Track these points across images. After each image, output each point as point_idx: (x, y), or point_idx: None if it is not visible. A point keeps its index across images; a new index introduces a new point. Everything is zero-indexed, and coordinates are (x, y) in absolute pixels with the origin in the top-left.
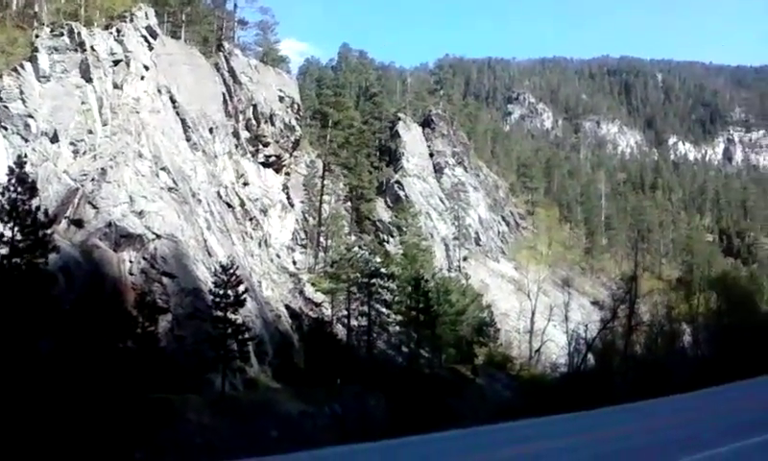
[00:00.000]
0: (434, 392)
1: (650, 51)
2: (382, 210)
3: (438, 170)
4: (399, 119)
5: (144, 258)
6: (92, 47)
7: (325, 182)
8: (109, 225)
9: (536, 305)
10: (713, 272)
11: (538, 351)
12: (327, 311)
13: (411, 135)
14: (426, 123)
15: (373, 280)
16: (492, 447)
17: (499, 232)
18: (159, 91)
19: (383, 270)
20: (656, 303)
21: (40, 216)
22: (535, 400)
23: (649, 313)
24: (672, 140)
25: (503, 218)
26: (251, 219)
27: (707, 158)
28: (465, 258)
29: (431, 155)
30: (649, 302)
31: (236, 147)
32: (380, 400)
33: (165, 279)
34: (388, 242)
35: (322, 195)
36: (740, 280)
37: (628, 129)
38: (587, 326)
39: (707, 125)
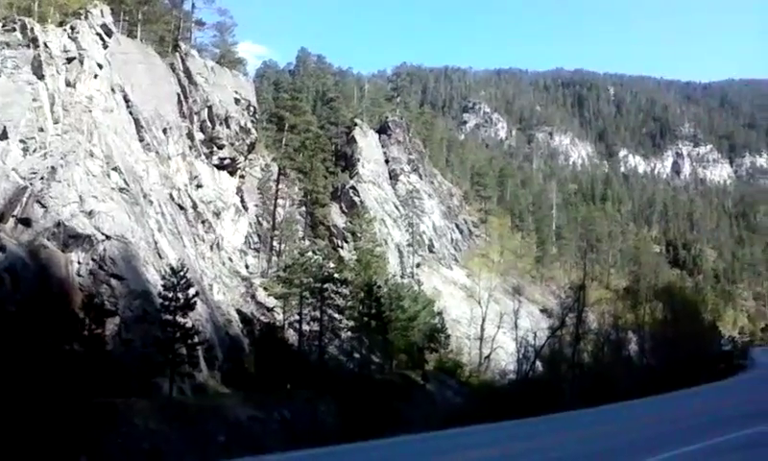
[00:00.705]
0: (384, 397)
1: (603, 65)
2: (337, 216)
3: (393, 177)
4: (356, 125)
5: (93, 259)
6: (45, 44)
7: (280, 186)
8: (58, 224)
9: (486, 312)
10: (659, 282)
11: (487, 357)
12: (279, 316)
13: (367, 141)
14: (383, 129)
15: (326, 286)
16: (439, 453)
17: (452, 240)
18: (113, 90)
19: (336, 275)
20: (603, 311)
21: None
22: (484, 407)
23: (596, 322)
24: (623, 153)
25: (457, 226)
26: (203, 222)
27: (656, 172)
28: (418, 265)
29: (387, 161)
30: (597, 310)
31: (190, 148)
32: (331, 406)
33: (114, 281)
34: (342, 247)
35: (276, 199)
36: (685, 291)
37: (580, 140)
38: (535, 333)
39: (656, 139)
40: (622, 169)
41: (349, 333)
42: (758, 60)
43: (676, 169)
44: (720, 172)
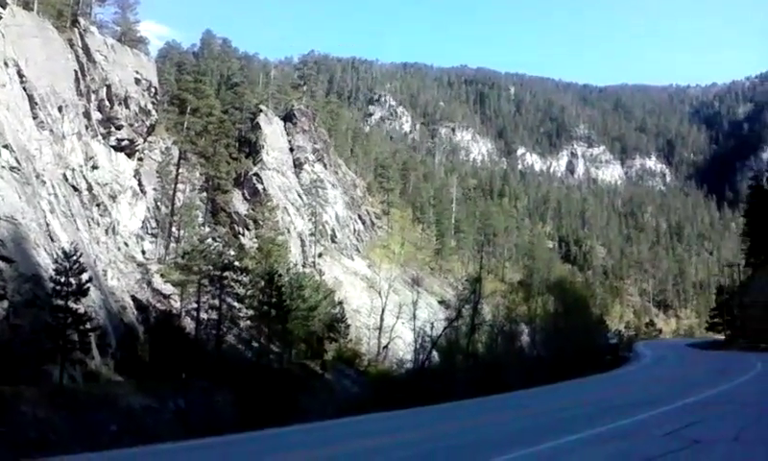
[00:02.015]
0: (282, 387)
1: (505, 64)
2: (239, 203)
3: (297, 165)
4: (261, 111)
5: None
6: None
7: (181, 171)
8: None
9: (386, 303)
10: (552, 276)
11: (386, 347)
12: (176, 304)
13: (272, 129)
14: (288, 117)
15: (226, 274)
16: (333, 441)
17: (355, 230)
18: (6, 64)
19: (237, 263)
20: (498, 304)
21: None
22: (381, 396)
23: (491, 313)
24: (521, 151)
25: (359, 217)
26: (98, 204)
27: (551, 170)
28: (320, 255)
29: (291, 149)
30: (492, 302)
31: (87, 128)
32: (228, 396)
33: (2, 264)
34: (243, 235)
35: (176, 183)
36: (576, 286)
37: (481, 137)
38: (432, 324)
39: (553, 138)
40: (520, 166)
41: (249, 322)
42: (650, 66)
43: (570, 168)
44: (612, 172)
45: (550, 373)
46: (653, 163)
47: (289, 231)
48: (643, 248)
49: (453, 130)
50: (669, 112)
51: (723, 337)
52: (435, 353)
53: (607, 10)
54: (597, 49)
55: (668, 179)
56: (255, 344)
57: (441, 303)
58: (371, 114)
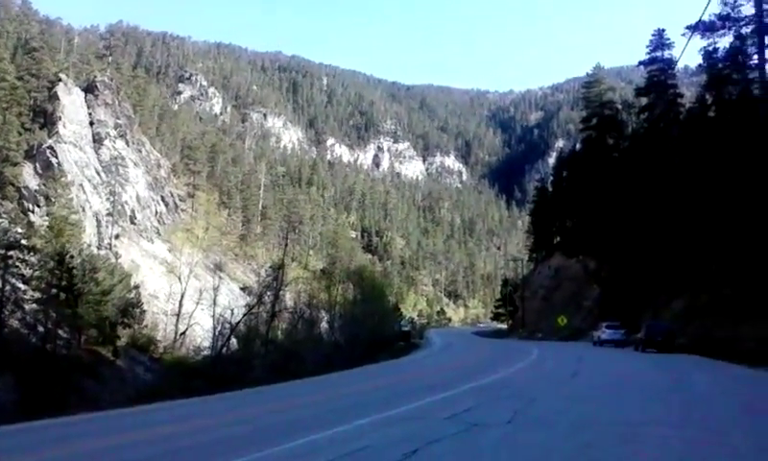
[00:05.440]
0: (70, 374)
1: (320, 55)
2: (30, 177)
3: (97, 140)
4: (60, 80)
5: None
6: None
7: None
8: None
9: (186, 288)
10: (353, 265)
11: (183, 333)
12: None
13: (71, 100)
14: (90, 89)
15: (11, 253)
16: (123, 430)
17: (157, 212)
18: None
19: (24, 242)
20: (300, 291)
21: None
22: (177, 383)
23: (293, 300)
24: (330, 141)
25: (162, 198)
26: None
27: (358, 162)
28: (117, 236)
29: (92, 123)
30: (294, 289)
31: None
32: (9, 382)
33: None
34: (33, 212)
35: None
36: (374, 275)
37: (292, 125)
38: (233, 310)
39: (361, 131)
40: (329, 157)
41: (35, 306)
42: (454, 68)
43: (376, 162)
44: (414, 168)
45: (347, 359)
46: (451, 162)
47: (84, 210)
48: (438, 240)
49: (265, 115)
50: (469, 114)
51: (506, 326)
52: (234, 340)
53: (419, 11)
54: (407, 49)
55: (464, 177)
56: (42, 328)
57: (243, 289)
58: (180, 93)
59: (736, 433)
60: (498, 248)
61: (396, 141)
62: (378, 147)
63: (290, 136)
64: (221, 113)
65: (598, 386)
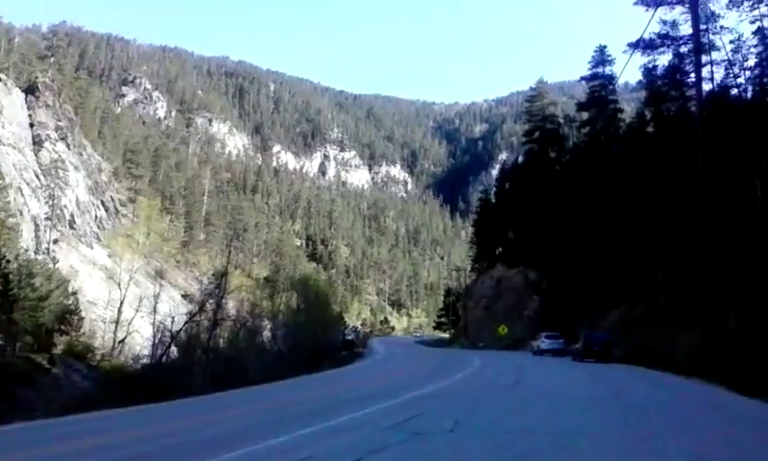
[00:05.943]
0: (4, 382)
1: (267, 61)
2: None
3: (37, 143)
4: (0, 81)
5: None
6: None
7: None
8: None
9: (125, 295)
10: (297, 273)
11: (122, 341)
12: None
13: (11, 100)
14: (30, 90)
15: None
16: (58, 439)
17: (97, 217)
18: None
19: None
20: (243, 299)
21: None
22: (115, 392)
23: (236, 308)
24: (276, 148)
25: (102, 203)
26: None
27: (304, 170)
28: (55, 241)
29: (32, 125)
30: (237, 297)
31: None
32: None
33: None
34: None
35: None
36: (319, 283)
37: (237, 131)
38: (174, 318)
39: (308, 139)
40: (274, 163)
41: None
42: (401, 79)
43: (322, 170)
44: (360, 177)
45: (290, 368)
46: (397, 171)
47: (22, 214)
48: (383, 250)
49: (210, 121)
50: (415, 125)
51: (448, 336)
52: (174, 348)
53: (367, 21)
54: (355, 58)
55: (410, 186)
56: None
57: (185, 296)
58: (123, 96)
59: (670, 444)
60: (442, 258)
61: (342, 150)
62: (325, 155)
63: (235, 142)
64: (165, 118)
65: (538, 395)
